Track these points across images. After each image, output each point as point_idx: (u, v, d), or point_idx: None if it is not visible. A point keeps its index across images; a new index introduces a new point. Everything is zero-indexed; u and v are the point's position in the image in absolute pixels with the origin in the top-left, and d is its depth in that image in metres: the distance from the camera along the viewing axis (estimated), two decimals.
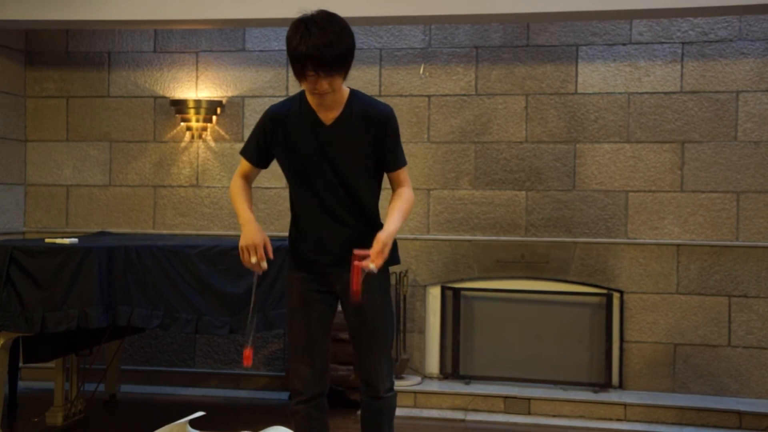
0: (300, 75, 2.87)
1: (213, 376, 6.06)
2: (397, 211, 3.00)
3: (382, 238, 2.88)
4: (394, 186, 3.12)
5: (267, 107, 3.15)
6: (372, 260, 2.83)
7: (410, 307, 5.82)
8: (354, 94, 3.08)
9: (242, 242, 3.05)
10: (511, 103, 5.80)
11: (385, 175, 3.15)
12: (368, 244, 2.89)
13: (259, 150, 3.12)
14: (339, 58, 2.84)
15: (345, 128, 3.01)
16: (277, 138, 3.06)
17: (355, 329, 3.14)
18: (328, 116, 3.01)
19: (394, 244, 3.01)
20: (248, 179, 3.21)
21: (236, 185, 3.17)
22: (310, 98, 3.00)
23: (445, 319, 5.82)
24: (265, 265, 3.06)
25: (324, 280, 3.12)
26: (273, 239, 5.37)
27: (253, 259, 3.03)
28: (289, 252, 3.23)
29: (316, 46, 2.79)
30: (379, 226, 3.04)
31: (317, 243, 3.09)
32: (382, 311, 3.13)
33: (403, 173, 3.12)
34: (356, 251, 2.85)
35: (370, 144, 3.03)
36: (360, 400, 3.25)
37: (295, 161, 3.06)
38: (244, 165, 3.19)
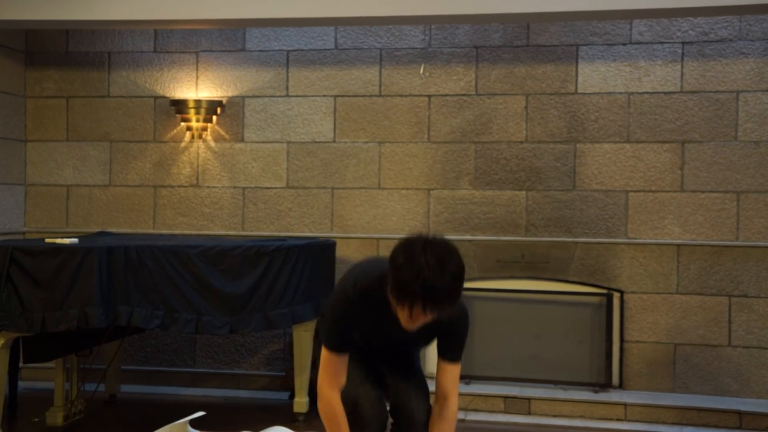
0: (402, 305, 2.61)
1: (213, 376, 6.06)
2: None
3: None
4: (441, 385, 2.97)
5: (345, 289, 2.87)
6: None
7: None
8: None
9: None
10: (511, 103, 5.80)
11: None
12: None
13: (348, 339, 2.89)
14: (453, 300, 2.64)
15: (425, 328, 2.78)
16: (355, 322, 2.88)
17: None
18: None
19: None
20: (340, 382, 2.91)
21: (330, 406, 2.88)
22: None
23: None
24: None
25: None
26: (273, 239, 5.39)
27: None
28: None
29: (433, 288, 2.54)
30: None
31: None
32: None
33: (456, 370, 2.98)
34: None
35: (440, 334, 2.94)
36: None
37: (362, 340, 2.96)
38: (333, 362, 2.88)
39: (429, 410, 3.08)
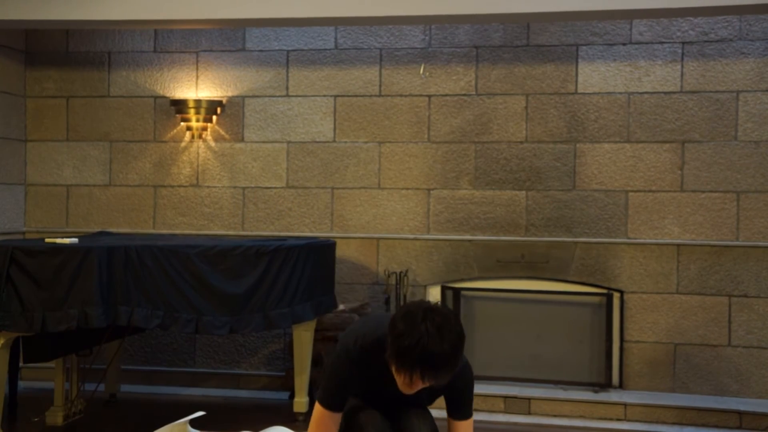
0: (401, 372, 2.62)
1: (213, 376, 6.06)
2: None
3: None
4: None
5: (345, 347, 2.83)
6: None
7: None
8: None
9: None
10: (511, 103, 5.80)
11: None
12: None
13: (342, 397, 2.85)
14: (451, 370, 2.63)
15: (424, 390, 2.79)
16: (355, 380, 2.86)
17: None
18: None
19: None
20: None
21: None
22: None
23: None
24: None
25: None
26: (273, 239, 5.39)
27: None
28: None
29: (432, 356, 2.55)
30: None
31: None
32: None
33: (469, 426, 2.95)
34: None
35: (443, 394, 2.93)
36: None
37: (365, 399, 2.99)
38: (324, 419, 2.83)
39: (434, 429, 3.03)
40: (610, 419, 5.32)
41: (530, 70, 5.78)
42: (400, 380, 2.64)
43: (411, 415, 3.03)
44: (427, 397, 2.99)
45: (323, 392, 2.85)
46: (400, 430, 3.04)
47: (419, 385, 2.64)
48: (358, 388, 2.88)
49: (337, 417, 2.85)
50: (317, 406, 2.84)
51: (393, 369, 2.64)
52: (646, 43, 5.64)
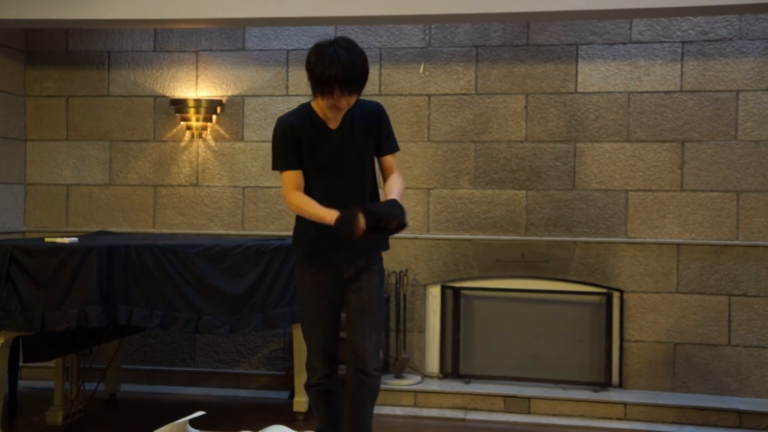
0: (325, 93, 3.20)
1: (213, 376, 6.06)
2: (395, 188, 3.40)
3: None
4: (386, 173, 3.49)
5: (277, 119, 3.41)
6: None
7: (410, 306, 5.82)
8: None
9: (347, 222, 3.17)
10: (511, 103, 5.80)
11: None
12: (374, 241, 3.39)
13: (297, 155, 3.33)
14: (363, 79, 3.25)
15: (351, 130, 3.38)
16: (300, 145, 3.33)
17: (352, 305, 3.45)
18: (335, 123, 3.37)
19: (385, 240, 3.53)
20: (300, 188, 3.35)
21: (298, 196, 3.32)
22: (322, 111, 3.32)
23: (445, 318, 5.82)
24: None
25: (335, 271, 3.44)
26: (273, 239, 5.39)
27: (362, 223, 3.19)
28: (299, 248, 3.50)
29: (346, 68, 3.16)
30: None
31: (331, 236, 3.27)
32: (378, 292, 3.48)
33: (394, 159, 3.50)
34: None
35: (370, 137, 3.41)
36: (346, 376, 3.46)
37: (312, 165, 3.36)
38: (290, 177, 3.34)
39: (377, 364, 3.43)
40: (610, 419, 5.32)
41: (530, 70, 5.78)
42: (329, 104, 3.22)
43: (366, 333, 3.40)
44: (364, 143, 3.39)
45: (278, 161, 3.35)
46: (353, 343, 3.41)
47: (345, 104, 3.22)
48: (300, 149, 3.31)
49: (299, 172, 3.33)
50: (282, 175, 3.33)
51: (319, 99, 3.24)
52: (646, 43, 5.64)
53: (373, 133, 3.42)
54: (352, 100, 3.28)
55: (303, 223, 3.42)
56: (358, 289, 3.45)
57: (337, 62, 3.15)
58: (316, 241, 3.40)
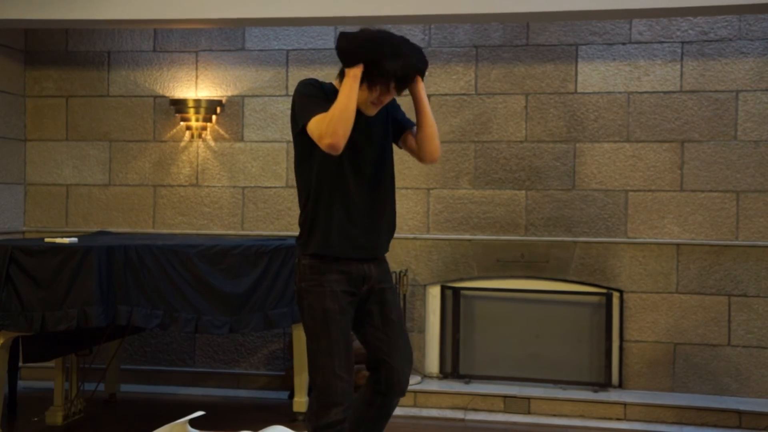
0: (383, 88, 3.04)
1: (213, 376, 6.06)
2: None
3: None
4: (413, 145, 3.29)
5: (303, 83, 3.12)
6: None
7: (410, 306, 5.82)
8: None
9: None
10: (510, 103, 5.80)
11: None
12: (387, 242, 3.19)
13: (329, 101, 2.99)
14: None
15: (378, 118, 3.17)
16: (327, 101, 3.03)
17: (379, 317, 3.12)
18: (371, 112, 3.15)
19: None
20: None
21: (326, 117, 2.94)
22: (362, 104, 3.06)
23: (445, 318, 5.82)
24: None
25: (353, 279, 3.09)
26: (273, 239, 5.39)
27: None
28: (315, 246, 3.07)
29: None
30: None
31: (353, 228, 3.06)
32: (399, 306, 3.23)
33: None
34: None
35: (388, 123, 3.24)
36: (368, 394, 3.15)
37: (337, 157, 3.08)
38: (320, 116, 2.97)
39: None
40: (610, 419, 5.32)
41: (530, 70, 5.78)
42: (373, 99, 3.05)
43: (406, 353, 3.16)
44: (384, 131, 3.22)
45: (313, 107, 2.98)
46: (391, 366, 3.11)
47: (387, 98, 3.08)
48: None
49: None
50: (312, 120, 2.95)
51: (365, 89, 3.00)
52: (646, 43, 5.64)
53: (389, 119, 3.24)
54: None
55: (323, 209, 3.05)
56: (384, 302, 3.12)
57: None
58: (341, 228, 3.03)
